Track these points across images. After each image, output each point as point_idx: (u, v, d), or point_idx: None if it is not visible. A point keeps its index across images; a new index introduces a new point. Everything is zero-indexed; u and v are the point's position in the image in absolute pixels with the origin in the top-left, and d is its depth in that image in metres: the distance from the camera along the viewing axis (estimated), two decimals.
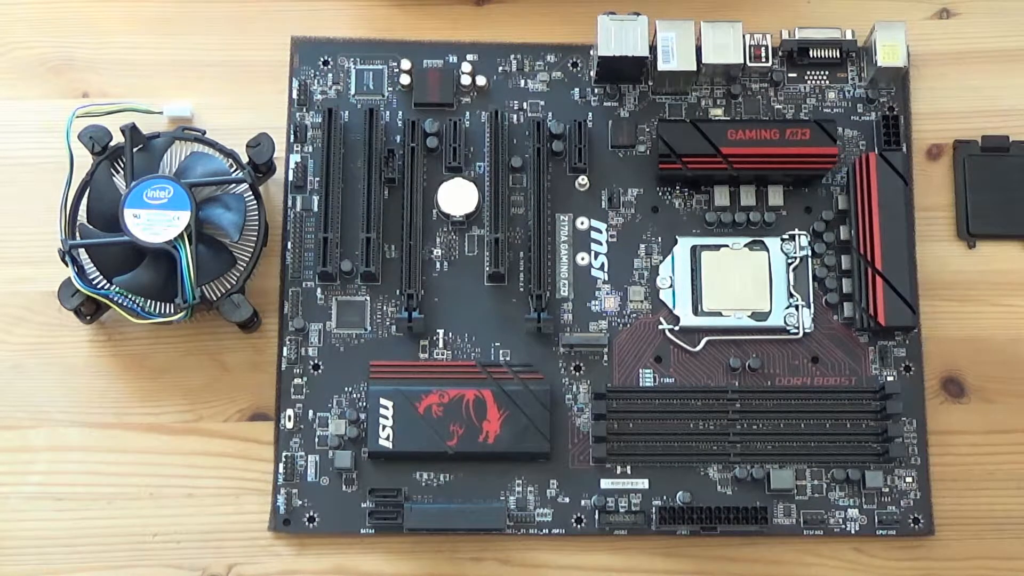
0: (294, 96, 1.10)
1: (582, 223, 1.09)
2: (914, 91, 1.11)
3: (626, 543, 1.04)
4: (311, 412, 1.05)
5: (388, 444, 1.03)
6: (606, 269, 1.08)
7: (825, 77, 1.11)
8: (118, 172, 1.06)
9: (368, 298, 1.07)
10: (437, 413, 1.03)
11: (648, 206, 1.09)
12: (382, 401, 1.03)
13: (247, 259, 1.04)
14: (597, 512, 1.03)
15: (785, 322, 1.06)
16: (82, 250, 1.04)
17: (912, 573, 1.04)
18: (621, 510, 1.04)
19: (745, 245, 1.08)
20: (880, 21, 1.09)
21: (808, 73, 1.11)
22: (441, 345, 1.06)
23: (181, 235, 1.01)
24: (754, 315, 1.06)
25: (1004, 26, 1.13)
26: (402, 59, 1.11)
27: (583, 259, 1.08)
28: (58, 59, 1.12)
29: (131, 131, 1.04)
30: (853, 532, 1.04)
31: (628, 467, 1.04)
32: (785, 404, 1.04)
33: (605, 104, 1.10)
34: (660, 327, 1.07)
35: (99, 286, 1.03)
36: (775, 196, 1.08)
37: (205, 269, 1.03)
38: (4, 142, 1.10)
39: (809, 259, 1.08)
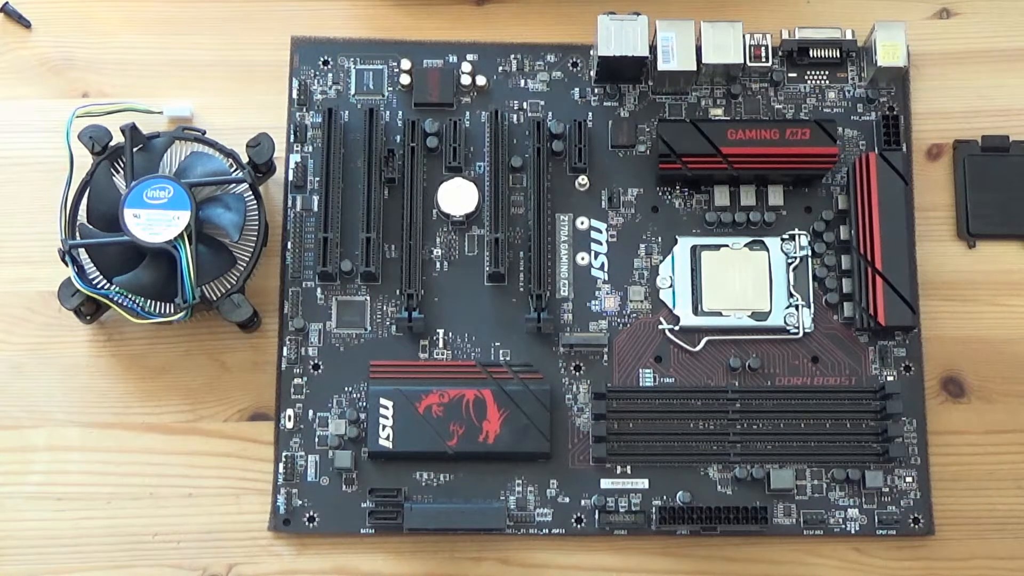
0: (294, 96, 1.10)
1: (582, 223, 1.08)
2: (914, 91, 1.11)
3: (626, 543, 1.04)
4: (311, 412, 1.05)
5: (388, 444, 1.03)
6: (606, 269, 1.08)
7: (825, 77, 1.11)
8: (118, 172, 1.06)
9: (368, 298, 1.07)
10: (437, 413, 1.03)
11: (648, 206, 1.09)
12: (382, 401, 1.03)
13: (247, 259, 1.04)
14: (597, 512, 1.03)
15: (785, 322, 1.06)
16: (82, 250, 1.04)
17: (912, 573, 1.04)
18: (621, 510, 1.03)
19: (745, 245, 1.08)
20: (880, 21, 1.09)
21: (808, 73, 1.11)
22: (441, 345, 1.06)
23: (181, 235, 1.01)
24: (754, 315, 1.06)
25: (1004, 26, 1.13)
26: (402, 59, 1.11)
27: (583, 259, 1.08)
28: (58, 59, 1.11)
29: (131, 131, 1.04)
30: (853, 532, 1.04)
31: (628, 467, 1.04)
32: (785, 404, 1.04)
33: (605, 104, 1.10)
34: (660, 327, 1.07)
35: (99, 286, 1.03)
36: (775, 196, 1.08)
37: (205, 269, 1.03)
38: (4, 142, 1.10)
39: (809, 259, 1.08)
